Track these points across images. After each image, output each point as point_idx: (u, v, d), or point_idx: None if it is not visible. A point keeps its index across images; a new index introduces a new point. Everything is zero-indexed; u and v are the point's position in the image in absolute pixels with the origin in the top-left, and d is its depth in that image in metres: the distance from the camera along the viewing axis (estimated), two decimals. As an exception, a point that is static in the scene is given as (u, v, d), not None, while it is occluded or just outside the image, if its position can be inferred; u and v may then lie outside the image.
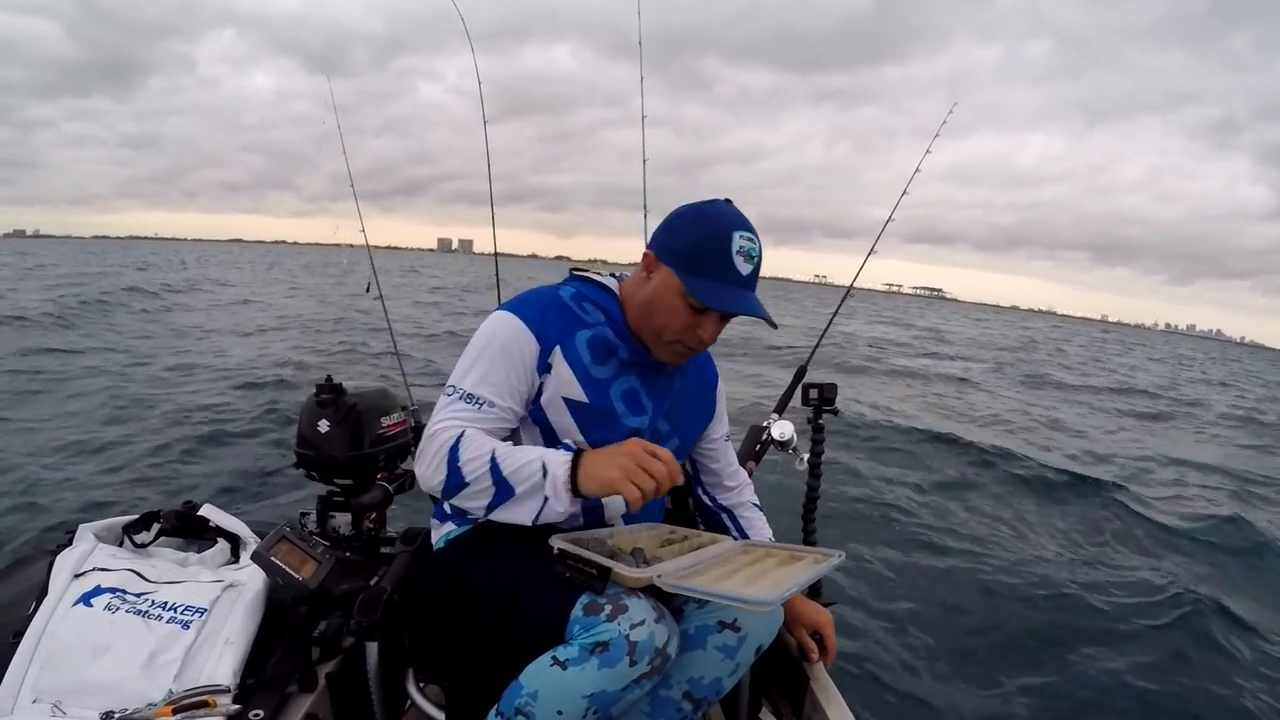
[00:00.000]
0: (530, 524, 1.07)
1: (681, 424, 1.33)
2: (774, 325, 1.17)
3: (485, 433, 1.10)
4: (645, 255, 1.19)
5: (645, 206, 2.00)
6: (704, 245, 1.12)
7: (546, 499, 1.04)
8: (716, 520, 1.46)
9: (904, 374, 12.57)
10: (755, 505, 1.49)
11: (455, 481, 1.06)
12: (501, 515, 1.07)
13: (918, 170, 1.95)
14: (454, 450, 1.06)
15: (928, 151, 1.97)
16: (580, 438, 1.17)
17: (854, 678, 2.63)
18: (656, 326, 1.18)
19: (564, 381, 1.17)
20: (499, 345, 1.15)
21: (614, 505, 1.23)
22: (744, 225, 1.14)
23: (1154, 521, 4.96)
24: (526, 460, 1.05)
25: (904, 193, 1.96)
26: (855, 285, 2.07)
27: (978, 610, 3.37)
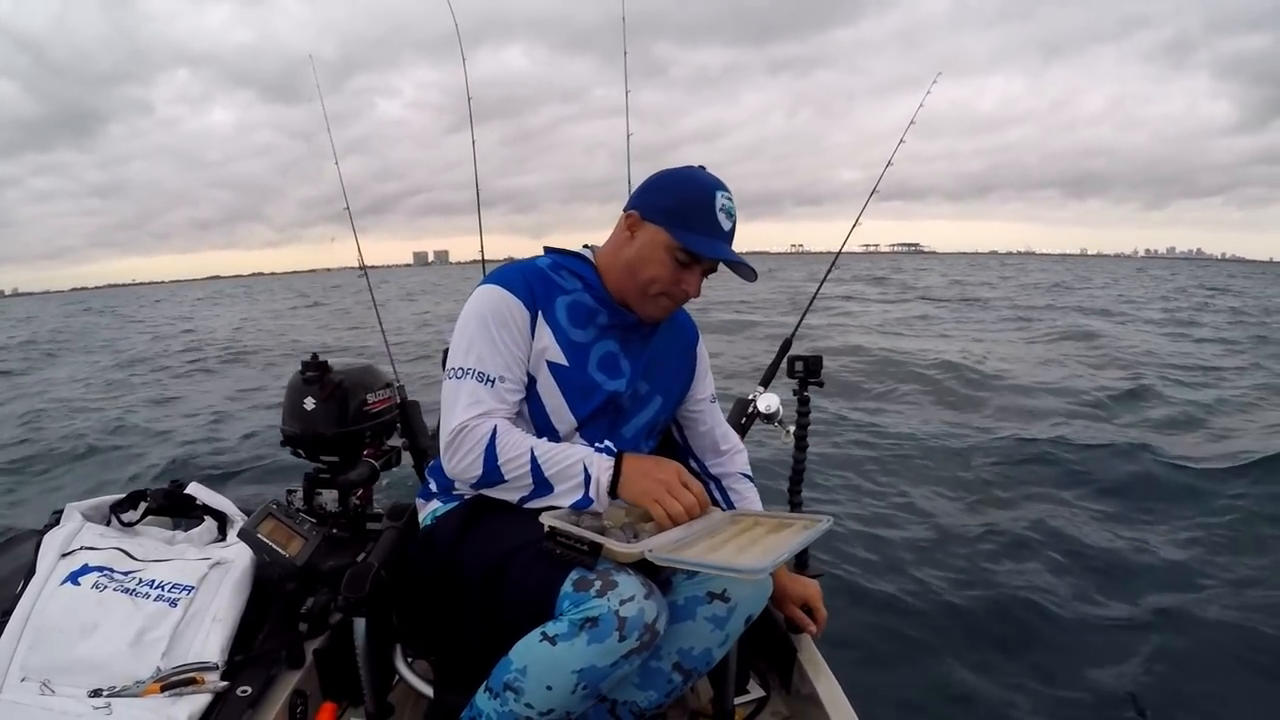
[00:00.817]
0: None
1: (661, 382, 1.33)
2: (754, 277, 1.23)
3: (505, 411, 1.16)
4: (628, 216, 1.22)
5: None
6: (690, 202, 1.18)
7: (590, 500, 1.10)
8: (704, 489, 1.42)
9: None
10: (746, 476, 1.45)
11: (493, 478, 1.12)
12: (534, 504, 1.13)
13: (902, 141, 1.94)
14: (491, 447, 1.11)
15: (912, 122, 1.96)
16: (562, 401, 1.20)
17: (841, 648, 2.66)
18: (643, 281, 1.21)
19: (547, 346, 1.21)
20: (492, 317, 1.18)
21: None
22: (723, 186, 1.21)
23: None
24: (569, 463, 1.11)
25: (889, 163, 1.95)
26: (831, 252, 2.08)
27: (955, 574, 3.39)
